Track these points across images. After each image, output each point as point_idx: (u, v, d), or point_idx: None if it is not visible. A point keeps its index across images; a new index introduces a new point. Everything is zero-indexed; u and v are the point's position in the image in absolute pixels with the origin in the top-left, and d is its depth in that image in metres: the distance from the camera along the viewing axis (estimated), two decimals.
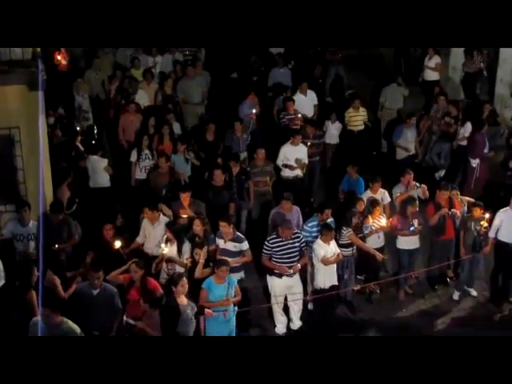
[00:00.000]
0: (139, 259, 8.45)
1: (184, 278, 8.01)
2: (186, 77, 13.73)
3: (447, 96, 13.67)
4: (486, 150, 12.05)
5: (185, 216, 9.56)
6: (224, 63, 15.99)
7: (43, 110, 9.37)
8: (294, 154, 11.55)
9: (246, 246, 9.06)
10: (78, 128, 12.33)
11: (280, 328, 9.36)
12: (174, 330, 7.77)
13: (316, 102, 13.71)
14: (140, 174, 11.33)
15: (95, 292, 7.97)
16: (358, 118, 13.18)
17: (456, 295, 10.18)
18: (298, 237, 9.10)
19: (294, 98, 13.19)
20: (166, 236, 9.06)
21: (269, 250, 8.98)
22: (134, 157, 11.34)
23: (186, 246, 8.93)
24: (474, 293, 10.23)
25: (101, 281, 8.05)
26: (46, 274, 8.03)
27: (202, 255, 8.64)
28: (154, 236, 9.36)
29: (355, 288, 10.12)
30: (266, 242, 9.00)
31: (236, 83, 15.71)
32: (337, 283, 9.26)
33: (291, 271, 8.95)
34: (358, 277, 10.27)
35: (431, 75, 14.82)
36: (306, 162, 11.72)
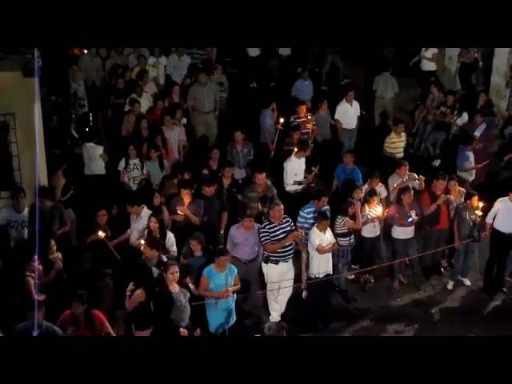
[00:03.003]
0: (81, 294, 7.66)
1: (175, 266, 7.98)
2: (198, 83, 12.91)
3: (442, 86, 13.67)
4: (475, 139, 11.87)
5: (181, 213, 9.51)
6: (241, 72, 15.58)
7: (39, 96, 9.30)
8: (301, 167, 11.02)
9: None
10: (73, 115, 12.33)
11: (275, 316, 9.36)
12: (168, 318, 7.76)
13: (359, 113, 13.15)
14: (129, 182, 10.79)
15: (35, 333, 6.82)
16: (400, 144, 12.12)
17: (450, 285, 10.21)
18: (288, 220, 9.09)
19: (339, 106, 12.74)
20: (147, 229, 9.05)
21: (267, 235, 8.91)
22: (121, 165, 10.82)
23: (170, 238, 9.01)
24: (467, 282, 10.26)
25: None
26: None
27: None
28: (137, 228, 9.34)
29: (349, 277, 10.19)
30: (263, 229, 8.95)
31: (256, 93, 15.13)
32: (331, 272, 9.25)
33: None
34: (353, 266, 10.29)
35: (428, 65, 14.82)
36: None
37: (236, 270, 8.45)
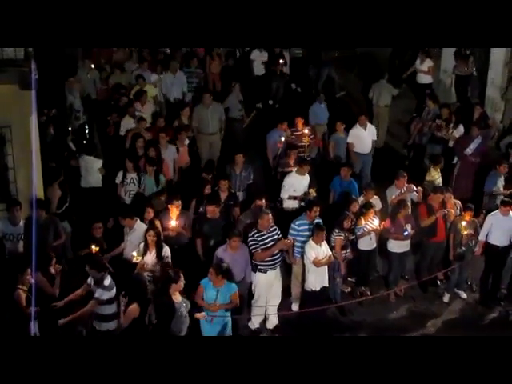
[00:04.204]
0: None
1: (181, 274, 7.97)
2: (202, 104, 12.82)
3: (437, 99, 13.74)
4: (469, 151, 11.94)
5: (172, 228, 9.49)
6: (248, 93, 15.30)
7: (35, 109, 9.31)
8: (301, 184, 10.85)
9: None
10: (70, 127, 12.35)
11: (255, 322, 9.40)
12: (167, 329, 7.75)
13: (375, 138, 12.92)
14: (125, 197, 10.79)
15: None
16: (438, 180, 11.54)
17: (446, 297, 10.21)
18: (276, 229, 9.19)
19: (353, 130, 12.50)
20: (142, 243, 9.02)
21: (257, 244, 9.00)
22: (118, 178, 10.83)
23: (166, 251, 8.98)
24: (463, 295, 10.27)
25: None
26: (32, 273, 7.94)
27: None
28: (130, 242, 9.33)
29: (345, 290, 10.19)
30: (251, 238, 9.01)
31: (262, 113, 14.99)
32: (327, 285, 9.29)
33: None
34: (349, 279, 10.29)
35: (424, 78, 14.90)
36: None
37: (235, 289, 8.43)
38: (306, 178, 10.89)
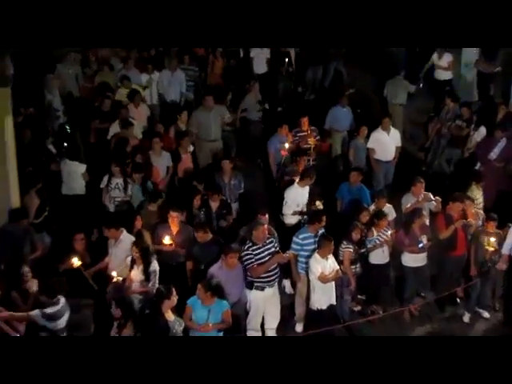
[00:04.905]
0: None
1: (173, 289, 8.15)
2: (203, 107, 12.89)
3: (457, 97, 13.91)
4: (493, 156, 12.16)
5: (168, 244, 9.52)
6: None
7: (11, 108, 9.61)
8: (304, 197, 10.91)
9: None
10: (49, 128, 12.54)
11: None
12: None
13: (399, 144, 12.89)
14: (109, 204, 11.03)
15: None
16: (480, 199, 11.39)
17: (466, 317, 10.33)
18: (272, 241, 9.31)
19: (374, 134, 12.64)
20: (130, 257, 9.14)
21: (252, 258, 9.08)
22: (103, 183, 11.08)
23: (154, 267, 9.05)
24: (486, 314, 10.37)
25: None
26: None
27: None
28: (115, 255, 9.44)
29: (355, 308, 10.37)
30: (246, 252, 9.08)
31: (267, 115, 14.97)
32: (335, 303, 9.44)
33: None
34: (359, 296, 10.45)
35: (443, 74, 15.12)
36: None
37: (227, 307, 8.51)
38: (307, 189, 10.98)
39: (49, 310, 7.91)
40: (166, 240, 9.53)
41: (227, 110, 13.56)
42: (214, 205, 10.65)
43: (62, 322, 7.99)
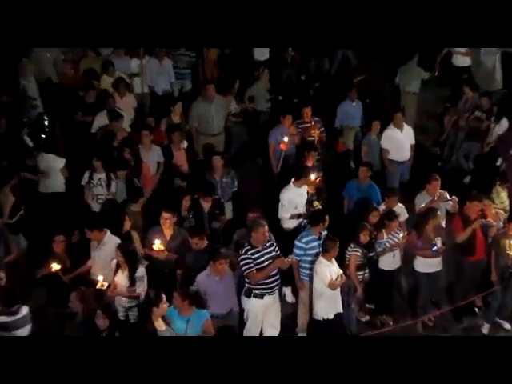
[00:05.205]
0: None
1: (163, 296, 8.05)
2: (203, 97, 12.73)
3: (477, 86, 13.81)
4: None
5: (160, 249, 9.42)
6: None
7: None
8: (302, 198, 10.78)
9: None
10: (25, 119, 12.39)
11: None
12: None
13: (413, 141, 12.80)
14: (92, 202, 10.93)
15: None
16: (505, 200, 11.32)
17: (485, 328, 10.24)
18: (273, 244, 9.25)
19: (387, 132, 12.56)
20: (115, 260, 9.08)
21: (251, 262, 8.99)
22: (84, 179, 10.99)
23: (141, 273, 8.97)
24: (507, 326, 10.29)
25: None
26: None
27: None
28: (99, 259, 9.40)
29: (362, 319, 10.27)
30: (244, 256, 9.01)
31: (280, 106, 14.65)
32: (341, 310, 9.36)
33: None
34: (367, 305, 10.37)
35: (461, 60, 15.02)
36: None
37: (207, 316, 8.46)
38: (304, 188, 10.86)
39: (4, 319, 7.84)
40: (158, 245, 9.41)
41: (234, 99, 13.48)
42: (206, 205, 10.54)
43: (22, 333, 7.88)
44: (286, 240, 10.12)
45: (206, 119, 12.61)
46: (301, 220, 10.69)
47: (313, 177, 10.81)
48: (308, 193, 10.86)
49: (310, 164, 11.36)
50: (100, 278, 8.84)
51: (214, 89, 12.75)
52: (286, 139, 11.83)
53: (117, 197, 10.88)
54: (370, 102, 14.41)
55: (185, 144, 12.26)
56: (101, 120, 12.36)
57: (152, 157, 11.72)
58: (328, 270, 9.10)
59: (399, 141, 12.60)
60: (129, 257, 8.92)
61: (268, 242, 9.19)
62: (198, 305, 8.37)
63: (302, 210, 10.73)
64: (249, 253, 9.02)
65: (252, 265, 8.99)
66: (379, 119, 12.87)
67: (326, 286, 9.07)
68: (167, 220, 9.69)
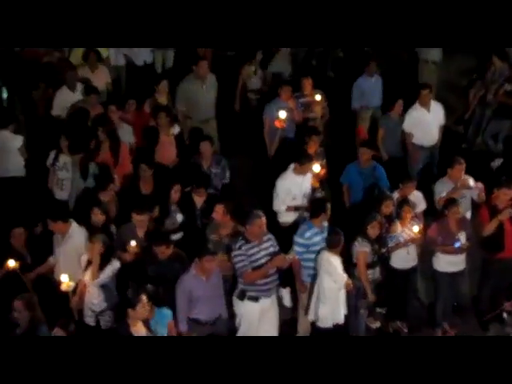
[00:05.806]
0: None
1: (143, 296, 8.06)
2: (194, 76, 12.63)
3: (506, 55, 13.71)
4: None
5: (134, 252, 9.40)
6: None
7: None
8: (302, 188, 10.75)
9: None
10: None
11: None
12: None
13: (443, 122, 12.63)
14: (57, 189, 10.98)
15: None
16: None
17: None
18: (270, 239, 9.29)
19: (411, 113, 12.33)
20: (85, 257, 9.12)
21: (245, 259, 9.02)
22: (49, 160, 11.04)
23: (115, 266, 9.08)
24: None
25: None
26: None
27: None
28: (64, 255, 9.40)
29: (372, 325, 10.24)
30: (238, 252, 9.04)
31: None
32: (346, 313, 9.44)
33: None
34: (378, 310, 10.33)
35: None
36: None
37: (169, 316, 8.59)
38: (308, 178, 10.77)
39: None
40: (133, 247, 9.38)
41: (256, 70, 13.71)
42: (199, 200, 10.50)
43: None
44: (282, 236, 9.98)
45: (194, 102, 12.54)
46: (300, 212, 10.66)
47: (317, 168, 10.70)
48: (312, 187, 10.80)
49: (312, 151, 11.22)
50: (64, 277, 8.69)
51: (207, 66, 12.68)
52: (282, 115, 11.58)
53: (73, 184, 10.92)
54: (383, 73, 14.18)
55: (176, 129, 12.06)
56: (63, 96, 12.32)
57: (122, 137, 11.62)
58: (339, 266, 9.20)
59: (427, 123, 12.42)
60: (107, 253, 8.99)
61: (265, 235, 9.21)
62: (157, 304, 8.42)
63: (300, 202, 10.71)
64: (243, 248, 9.05)
65: (246, 262, 9.03)
66: (397, 96, 12.66)
67: (342, 287, 9.19)
68: (140, 223, 9.63)
